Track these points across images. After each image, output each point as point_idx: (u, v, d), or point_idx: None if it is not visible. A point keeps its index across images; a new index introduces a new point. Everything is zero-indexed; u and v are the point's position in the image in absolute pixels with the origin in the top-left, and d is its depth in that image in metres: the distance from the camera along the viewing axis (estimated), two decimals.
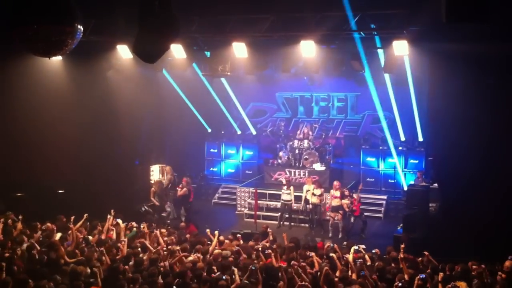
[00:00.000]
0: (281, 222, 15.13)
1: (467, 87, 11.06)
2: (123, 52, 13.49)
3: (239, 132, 19.50)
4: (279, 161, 17.73)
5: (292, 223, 15.17)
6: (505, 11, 8.20)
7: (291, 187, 14.99)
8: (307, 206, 14.64)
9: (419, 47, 11.64)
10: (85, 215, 10.34)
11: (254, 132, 19.61)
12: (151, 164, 17.38)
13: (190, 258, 8.65)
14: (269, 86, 18.86)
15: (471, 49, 10.11)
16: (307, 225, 15.09)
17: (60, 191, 13.58)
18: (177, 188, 15.07)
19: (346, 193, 14.01)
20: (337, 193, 14.00)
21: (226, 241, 10.30)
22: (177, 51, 13.23)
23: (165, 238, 10.09)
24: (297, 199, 15.41)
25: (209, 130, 19.54)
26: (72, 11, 6.15)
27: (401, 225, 13.02)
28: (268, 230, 11.68)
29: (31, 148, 12.78)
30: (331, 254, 9.05)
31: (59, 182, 13.56)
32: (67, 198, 13.22)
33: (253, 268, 7.76)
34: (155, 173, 17.50)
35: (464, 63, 10.80)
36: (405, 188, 15.32)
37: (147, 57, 6.49)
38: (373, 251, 9.75)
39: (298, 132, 17.87)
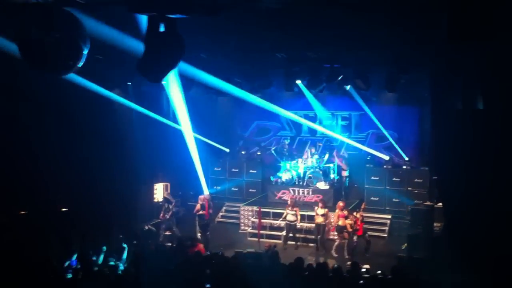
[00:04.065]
0: (286, 241, 15.08)
1: (472, 104, 11.06)
2: None
3: (243, 151, 19.52)
4: (283, 179, 17.71)
5: (298, 243, 15.10)
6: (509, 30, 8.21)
7: (296, 208, 14.96)
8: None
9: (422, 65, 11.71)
10: None
11: (258, 153, 19.62)
12: (155, 182, 17.39)
13: None
14: (274, 104, 18.92)
15: (476, 66, 10.13)
16: (312, 244, 15.01)
17: (63, 209, 13.55)
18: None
19: (346, 213, 13.99)
20: (343, 213, 13.96)
21: None
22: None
23: None
24: (303, 218, 15.40)
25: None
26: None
27: (405, 244, 12.95)
28: None
29: (33, 163, 12.77)
30: None
31: (62, 199, 13.54)
32: (70, 216, 13.19)
33: None
34: (159, 191, 17.50)
35: (469, 79, 10.82)
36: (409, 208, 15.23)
37: (152, 76, 6.54)
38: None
39: (305, 155, 17.93)
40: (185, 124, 16.65)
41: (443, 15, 6.45)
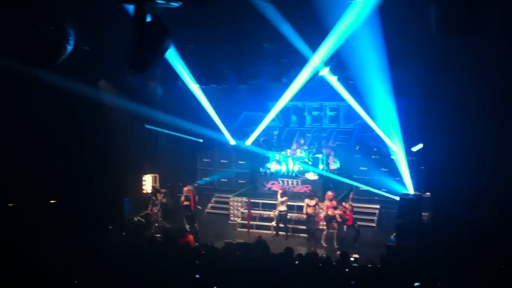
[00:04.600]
0: (277, 232, 15.14)
1: (461, 96, 11.13)
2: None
3: (232, 142, 19.47)
4: (272, 170, 17.73)
5: (288, 233, 15.16)
6: (498, 21, 8.25)
7: (285, 197, 15.02)
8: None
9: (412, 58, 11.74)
10: None
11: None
12: (143, 174, 17.33)
13: None
14: (262, 95, 18.87)
15: (465, 59, 10.19)
16: (302, 234, 15.08)
17: (52, 201, 13.46)
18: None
19: (335, 203, 14.05)
20: (331, 203, 14.02)
21: None
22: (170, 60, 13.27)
23: None
24: (292, 208, 15.47)
25: (201, 141, 19.42)
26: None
27: (394, 234, 13.03)
28: None
29: (21, 156, 12.66)
30: None
31: (51, 192, 13.44)
32: (59, 208, 13.11)
33: None
34: (148, 183, 17.46)
35: (458, 72, 10.88)
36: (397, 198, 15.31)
37: (139, 67, 6.48)
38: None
39: (294, 146, 17.97)
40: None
41: (432, 8, 6.48)
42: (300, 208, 15.38)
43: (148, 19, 5.93)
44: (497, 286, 7.70)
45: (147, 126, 17.44)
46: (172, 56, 13.01)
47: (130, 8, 6.09)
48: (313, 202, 14.54)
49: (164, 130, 18.00)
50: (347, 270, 8.64)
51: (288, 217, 15.27)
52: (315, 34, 10.57)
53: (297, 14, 8.80)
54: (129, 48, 6.20)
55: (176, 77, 14.83)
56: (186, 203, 14.50)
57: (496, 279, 7.88)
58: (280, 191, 15.35)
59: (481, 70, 10.28)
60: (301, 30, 10.46)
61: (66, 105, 13.06)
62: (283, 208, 14.98)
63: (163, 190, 16.17)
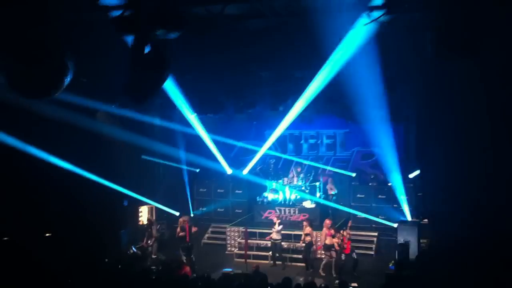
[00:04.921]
0: (275, 262, 15.00)
1: (457, 122, 11.20)
2: None
3: (229, 172, 19.44)
4: (269, 199, 17.67)
5: (286, 263, 15.03)
6: (497, 45, 8.34)
7: (280, 226, 14.95)
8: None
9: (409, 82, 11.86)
10: None
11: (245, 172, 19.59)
12: (140, 205, 17.24)
13: None
14: (259, 124, 18.94)
15: (462, 83, 10.29)
16: (299, 264, 14.95)
17: (47, 235, 13.33)
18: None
19: (333, 231, 13.99)
20: (330, 231, 13.95)
21: None
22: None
23: None
24: (289, 237, 15.38)
25: (197, 170, 19.40)
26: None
27: (393, 262, 12.94)
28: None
29: (18, 188, 12.59)
30: None
31: (46, 224, 13.33)
32: (55, 241, 12.98)
33: None
34: (144, 214, 17.35)
35: (455, 97, 10.97)
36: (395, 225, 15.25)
37: (137, 98, 6.52)
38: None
39: (291, 174, 18.00)
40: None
41: (429, 34, 6.57)
42: (297, 237, 15.29)
43: (147, 49, 5.99)
44: None
45: (144, 157, 17.43)
46: (169, 85, 13.09)
47: (129, 39, 6.15)
48: (308, 231, 14.46)
49: (161, 161, 17.99)
50: None
51: (285, 246, 15.17)
52: (312, 62, 10.68)
53: (294, 43, 8.90)
54: (128, 79, 6.24)
55: (173, 106, 14.89)
56: (181, 234, 14.37)
57: None
58: (277, 220, 15.23)
59: (477, 95, 10.37)
60: (298, 59, 10.57)
61: (63, 136, 13.07)
62: (277, 237, 14.87)
63: (157, 225, 16.10)
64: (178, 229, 14.49)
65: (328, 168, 18.52)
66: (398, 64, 11.00)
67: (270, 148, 19.76)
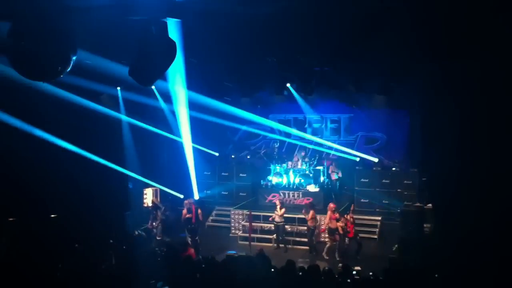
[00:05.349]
0: (278, 244, 15.10)
1: (463, 107, 11.18)
2: None
3: (233, 155, 19.49)
4: (273, 183, 17.74)
5: (288, 246, 15.13)
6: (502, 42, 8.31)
7: (283, 209, 15.00)
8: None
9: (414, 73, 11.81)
10: None
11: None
12: (144, 187, 17.32)
13: None
14: (263, 108, 18.93)
15: (465, 70, 10.25)
16: (303, 247, 15.05)
17: (53, 216, 13.44)
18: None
19: (338, 215, 14.04)
20: (334, 215, 14.00)
21: None
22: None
23: None
24: (293, 220, 15.45)
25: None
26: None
27: (396, 246, 13.01)
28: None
29: (25, 170, 12.67)
30: None
31: (52, 206, 13.43)
32: (60, 222, 13.09)
33: None
34: (149, 196, 17.44)
35: (460, 83, 10.93)
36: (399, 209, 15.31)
37: (143, 80, 6.53)
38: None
39: (295, 158, 18.03)
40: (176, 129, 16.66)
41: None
42: (300, 221, 15.37)
43: (154, 32, 5.98)
44: None
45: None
46: (175, 68, 13.07)
47: (136, 21, 6.14)
48: (310, 215, 14.52)
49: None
50: (352, 283, 8.61)
51: (289, 229, 15.26)
52: (318, 46, 10.62)
53: (300, 28, 8.83)
54: (134, 62, 6.24)
55: (178, 89, 14.87)
56: (188, 215, 14.45)
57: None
58: (278, 203, 15.26)
59: (481, 89, 10.36)
60: (304, 43, 10.51)
61: (68, 118, 13.11)
62: (279, 219, 14.93)
63: (162, 207, 16.17)
64: (185, 211, 14.53)
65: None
66: (403, 59, 10.96)
67: (274, 132, 19.80)
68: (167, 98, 16.17)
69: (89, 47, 8.85)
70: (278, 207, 15.02)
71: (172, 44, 6.04)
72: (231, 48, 10.79)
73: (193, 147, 17.80)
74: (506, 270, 8.93)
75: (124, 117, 15.72)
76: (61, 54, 5.92)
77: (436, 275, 8.91)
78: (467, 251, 10.41)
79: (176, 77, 13.68)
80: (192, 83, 14.37)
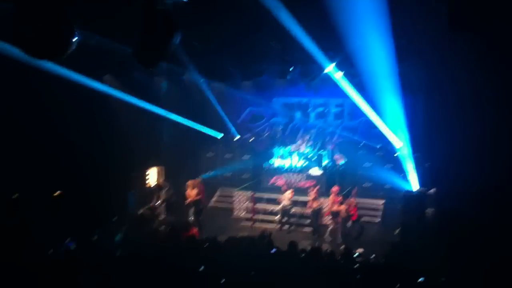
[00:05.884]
0: (281, 226, 15.18)
1: (466, 91, 11.13)
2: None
3: (237, 137, 19.48)
4: (276, 165, 17.76)
5: (291, 227, 15.21)
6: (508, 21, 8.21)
7: (292, 192, 15.06)
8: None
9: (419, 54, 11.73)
10: None
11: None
12: (147, 167, 17.37)
13: None
14: (266, 92, 18.87)
15: (473, 55, 10.17)
16: (306, 229, 15.12)
17: (55, 194, 13.50)
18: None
19: (341, 198, 14.10)
20: (337, 198, 14.06)
21: None
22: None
23: None
24: (296, 203, 15.51)
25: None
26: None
27: (398, 230, 13.06)
28: None
29: (26, 149, 12.69)
30: None
31: (54, 184, 13.49)
32: (63, 201, 13.15)
33: None
34: (152, 176, 17.50)
35: (464, 69, 10.87)
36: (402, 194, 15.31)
37: (147, 62, 6.50)
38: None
39: (299, 141, 18.02)
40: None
41: (444, 4, 6.45)
42: (304, 203, 15.44)
43: (158, 12, 5.94)
44: (500, 281, 7.72)
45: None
46: (178, 51, 13.01)
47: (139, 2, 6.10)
48: (313, 196, 14.59)
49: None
50: (355, 266, 8.66)
51: (292, 211, 15.32)
52: (322, 31, 10.54)
53: (304, 11, 8.77)
54: (137, 43, 6.21)
55: (181, 72, 14.84)
56: (198, 196, 14.46)
57: (499, 274, 7.90)
58: (285, 186, 15.34)
59: (488, 66, 10.26)
60: (307, 27, 10.43)
61: (71, 99, 13.10)
62: (287, 202, 15.00)
63: (166, 187, 16.23)
64: (194, 190, 14.50)
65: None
66: (411, 35, 10.86)
67: (277, 116, 19.77)
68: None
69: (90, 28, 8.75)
70: (287, 191, 15.05)
71: (175, 25, 6.00)
72: (234, 31, 10.73)
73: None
74: (506, 254, 8.97)
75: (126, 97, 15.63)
76: (61, 35, 5.89)
77: (437, 260, 8.95)
78: (468, 236, 10.46)
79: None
80: (195, 66, 14.35)
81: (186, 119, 17.13)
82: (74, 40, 6.08)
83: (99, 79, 14.37)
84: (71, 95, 12.96)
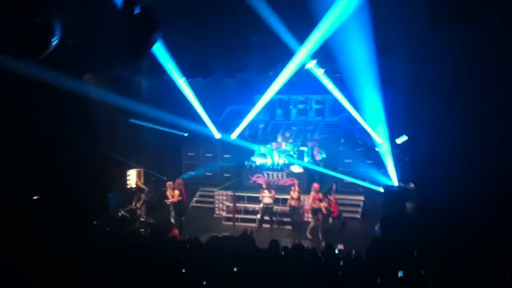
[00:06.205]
0: (261, 224, 15.17)
1: (447, 88, 11.24)
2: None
3: (217, 136, 19.43)
4: (257, 163, 17.76)
5: (273, 226, 15.23)
6: (494, 12, 8.28)
7: (272, 190, 15.05)
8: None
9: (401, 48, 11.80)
10: None
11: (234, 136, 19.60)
12: (128, 168, 17.23)
13: None
14: (247, 89, 18.85)
15: (453, 50, 10.26)
16: (286, 227, 15.15)
17: (34, 198, 13.31)
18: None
19: (321, 195, 14.15)
20: (318, 195, 14.09)
21: None
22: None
23: None
24: (277, 201, 15.52)
25: (186, 135, 19.31)
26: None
27: (379, 225, 13.16)
28: None
29: (4, 152, 12.49)
30: None
31: (34, 187, 13.30)
32: (41, 204, 12.97)
33: None
34: (132, 177, 17.36)
35: (445, 64, 10.96)
36: (382, 189, 15.45)
37: (127, 59, 6.45)
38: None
39: (279, 139, 18.00)
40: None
41: None
42: (284, 201, 15.46)
43: (137, 11, 5.89)
44: (481, 273, 7.81)
45: (132, 120, 17.29)
46: (158, 48, 12.93)
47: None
48: (296, 195, 14.60)
49: (149, 124, 17.83)
50: (336, 262, 8.71)
51: (273, 210, 15.33)
52: (302, 26, 10.56)
53: (285, 6, 8.78)
54: (118, 41, 6.15)
55: (162, 70, 14.73)
56: (179, 198, 14.34)
57: (481, 267, 8.00)
58: (264, 185, 15.29)
59: (469, 60, 10.36)
60: (288, 23, 10.44)
61: (51, 99, 12.92)
62: (269, 201, 14.98)
63: (146, 189, 16.12)
64: (176, 192, 14.39)
65: None
66: (391, 30, 10.92)
67: (258, 113, 19.75)
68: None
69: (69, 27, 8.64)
70: (266, 190, 15.01)
71: (155, 22, 5.96)
72: (215, 27, 10.70)
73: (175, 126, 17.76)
74: (487, 247, 9.09)
75: (106, 97, 15.49)
76: (41, 34, 5.81)
77: (417, 254, 9.04)
78: (449, 230, 10.57)
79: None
80: (176, 63, 14.24)
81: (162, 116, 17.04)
82: (53, 39, 6.01)
83: (79, 78, 14.22)
84: (51, 95, 12.79)
